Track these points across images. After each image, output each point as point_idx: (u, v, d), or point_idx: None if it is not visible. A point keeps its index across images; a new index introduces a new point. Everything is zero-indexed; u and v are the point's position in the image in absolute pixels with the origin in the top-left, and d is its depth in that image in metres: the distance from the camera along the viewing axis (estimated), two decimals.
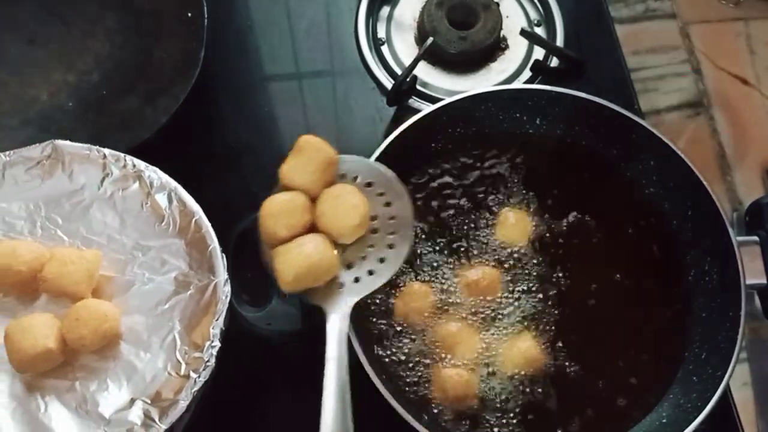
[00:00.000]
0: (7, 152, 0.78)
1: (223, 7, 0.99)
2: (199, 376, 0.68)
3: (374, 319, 0.76)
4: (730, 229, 0.75)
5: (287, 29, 1.01)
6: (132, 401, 0.68)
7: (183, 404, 0.67)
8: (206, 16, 0.90)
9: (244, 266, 0.76)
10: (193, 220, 0.74)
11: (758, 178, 1.73)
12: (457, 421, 0.73)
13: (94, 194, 0.77)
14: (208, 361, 0.68)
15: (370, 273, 0.69)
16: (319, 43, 1.00)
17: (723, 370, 0.70)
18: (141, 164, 0.77)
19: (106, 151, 0.78)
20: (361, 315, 0.75)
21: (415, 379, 0.74)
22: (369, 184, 0.72)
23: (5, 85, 0.92)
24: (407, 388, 0.73)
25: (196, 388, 0.67)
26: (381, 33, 0.99)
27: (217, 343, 0.69)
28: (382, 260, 0.69)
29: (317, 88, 0.98)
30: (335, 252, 0.69)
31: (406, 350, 0.75)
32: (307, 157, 0.71)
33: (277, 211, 0.69)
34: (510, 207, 0.81)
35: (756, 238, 0.78)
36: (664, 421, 0.73)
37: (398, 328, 0.76)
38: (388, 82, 0.95)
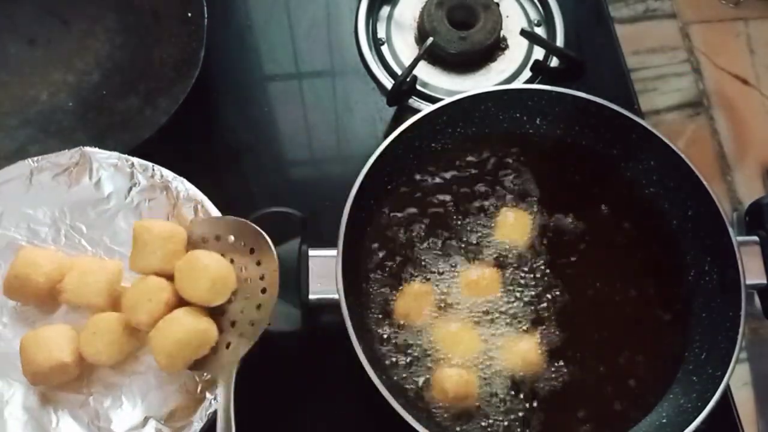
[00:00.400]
0: (35, 158, 0.78)
1: (223, 7, 0.99)
2: (214, 398, 0.67)
3: (374, 319, 0.76)
4: (730, 229, 0.75)
5: (287, 29, 1.01)
6: (146, 420, 0.68)
7: (197, 426, 0.66)
8: (206, 16, 0.90)
9: None
10: None
11: (758, 178, 1.72)
12: (457, 421, 0.73)
13: (120, 203, 0.76)
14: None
15: (252, 323, 0.68)
16: (319, 43, 1.00)
17: (723, 370, 0.70)
18: (169, 175, 0.76)
19: (135, 160, 0.77)
20: (361, 315, 0.75)
21: (415, 379, 0.74)
22: (239, 242, 0.71)
23: (5, 85, 0.92)
24: (407, 388, 0.73)
25: (210, 410, 0.66)
26: (381, 33, 0.99)
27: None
28: (259, 306, 0.69)
29: (317, 88, 0.98)
30: (206, 319, 0.68)
31: (406, 350, 0.75)
32: (144, 242, 0.70)
33: (134, 302, 0.68)
34: (510, 207, 0.81)
35: (756, 238, 0.78)
36: (664, 421, 0.73)
37: (398, 328, 0.76)
38: (388, 82, 0.95)
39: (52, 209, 0.76)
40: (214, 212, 0.75)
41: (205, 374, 0.69)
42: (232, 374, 0.67)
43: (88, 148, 0.78)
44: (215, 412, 0.66)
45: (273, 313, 0.68)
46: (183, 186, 0.76)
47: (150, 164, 0.77)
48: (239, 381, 0.76)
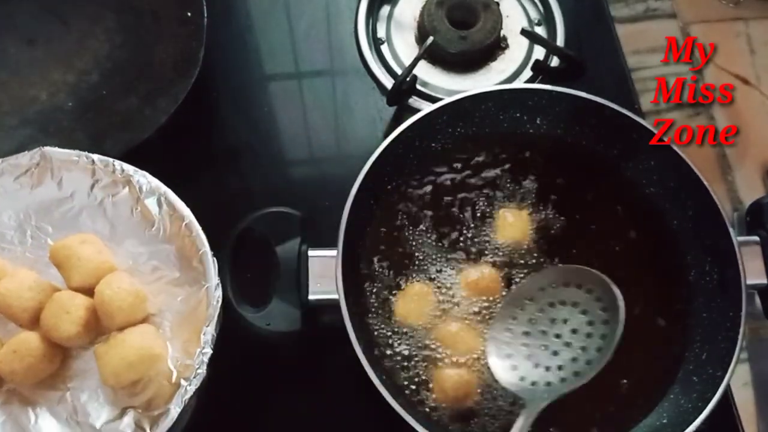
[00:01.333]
0: None
1: (223, 6, 0.99)
2: (189, 384, 0.67)
3: (374, 319, 0.76)
4: (730, 229, 0.75)
5: (287, 29, 1.01)
6: (123, 411, 0.68)
7: (174, 413, 0.66)
8: (206, 16, 0.90)
9: (243, 266, 0.76)
10: (183, 225, 0.74)
11: (758, 178, 1.72)
12: (457, 422, 0.72)
13: (83, 201, 0.76)
14: (198, 368, 0.67)
15: (576, 374, 0.67)
16: (319, 43, 1.00)
17: (723, 370, 0.70)
18: (130, 169, 0.76)
19: (95, 157, 0.77)
20: (361, 315, 0.75)
21: (415, 380, 0.74)
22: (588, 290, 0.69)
23: (5, 85, 0.92)
24: (407, 388, 0.73)
25: (187, 396, 0.66)
26: (381, 33, 0.99)
27: (209, 350, 0.68)
28: (589, 362, 0.67)
29: (317, 88, 0.98)
30: (157, 343, 0.69)
31: (406, 351, 0.75)
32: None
33: (52, 319, 0.69)
34: (509, 207, 0.81)
35: (756, 238, 0.78)
36: (664, 421, 0.73)
37: (398, 328, 0.76)
38: (388, 82, 0.95)
39: (17, 211, 0.76)
40: (179, 204, 0.75)
41: (188, 359, 0.69)
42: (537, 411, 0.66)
43: (47, 148, 0.77)
44: (192, 397, 0.67)
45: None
46: (145, 179, 0.76)
47: (110, 160, 0.77)
48: (238, 380, 0.76)
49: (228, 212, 0.80)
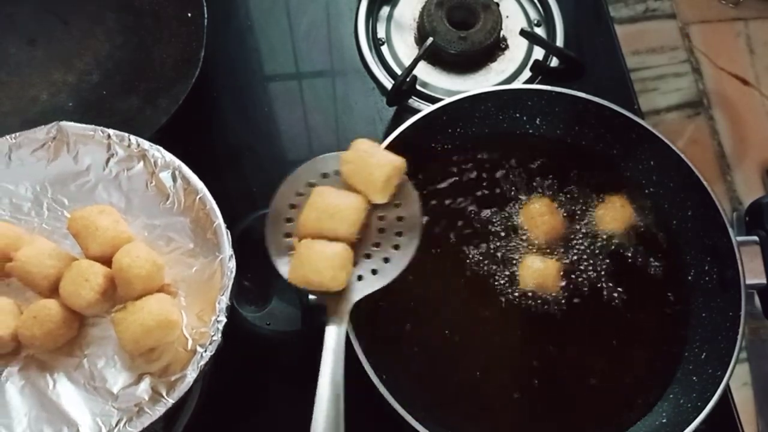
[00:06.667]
0: (13, 134, 0.78)
1: (223, 7, 0.99)
2: (205, 351, 0.68)
3: (374, 319, 0.76)
4: (730, 229, 0.75)
5: (287, 29, 1.01)
6: (140, 377, 0.68)
7: (190, 378, 0.67)
8: (206, 16, 0.90)
9: (244, 266, 0.76)
10: (197, 198, 0.74)
11: (758, 178, 1.73)
12: (457, 421, 0.73)
13: (99, 175, 0.77)
14: (214, 335, 0.68)
15: (386, 261, 0.69)
16: (319, 43, 1.00)
17: (723, 370, 0.70)
18: (145, 143, 0.77)
19: (111, 131, 0.78)
20: (361, 316, 0.75)
21: (415, 379, 0.74)
22: None
23: (5, 85, 0.92)
24: (407, 388, 0.73)
25: (203, 362, 0.67)
26: (381, 33, 0.99)
27: (223, 318, 0.69)
28: (396, 247, 0.69)
29: (317, 88, 0.98)
30: (173, 310, 0.69)
31: (406, 350, 0.75)
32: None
33: (71, 287, 0.69)
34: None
35: (756, 238, 0.78)
36: (664, 421, 0.73)
37: (398, 329, 0.76)
38: (388, 82, 0.95)
39: (33, 184, 0.77)
40: (193, 178, 0.75)
41: (203, 327, 0.70)
42: (348, 310, 0.67)
43: (64, 123, 0.78)
44: (207, 363, 0.67)
45: (409, 256, 0.68)
46: (159, 153, 0.77)
47: (126, 134, 0.78)
48: (238, 380, 0.76)
49: (228, 212, 0.80)
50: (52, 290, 0.71)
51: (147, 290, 0.70)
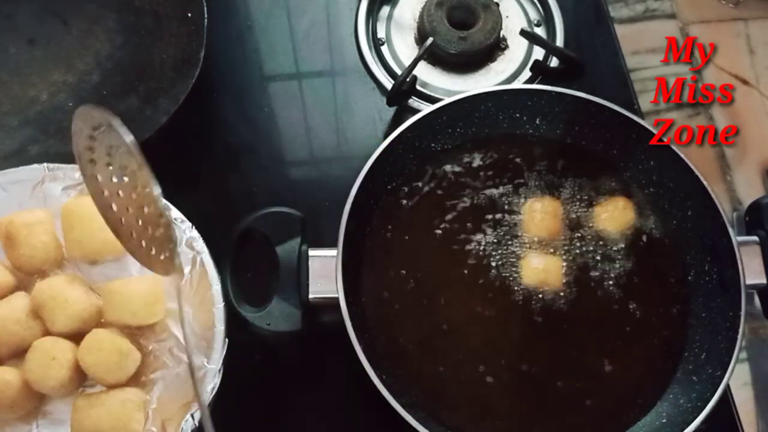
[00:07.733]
0: (51, 165, 0.76)
1: (223, 7, 0.99)
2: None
3: (374, 319, 0.76)
4: (730, 229, 0.75)
5: (287, 29, 1.01)
6: None
7: None
8: (206, 16, 0.90)
9: (244, 266, 0.76)
10: (209, 292, 0.72)
11: (758, 178, 1.73)
12: (458, 421, 0.73)
13: None
14: None
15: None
16: (319, 43, 1.00)
17: (723, 370, 0.70)
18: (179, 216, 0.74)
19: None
20: (361, 315, 0.75)
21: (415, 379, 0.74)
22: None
23: (5, 85, 0.92)
24: (407, 388, 0.73)
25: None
26: (381, 33, 0.99)
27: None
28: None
29: (317, 88, 0.98)
30: (136, 417, 0.67)
31: (406, 350, 0.75)
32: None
33: (38, 368, 0.66)
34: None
35: (756, 238, 0.78)
36: (664, 421, 0.73)
37: (398, 329, 0.76)
38: (388, 82, 0.95)
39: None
40: (210, 268, 0.73)
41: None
42: None
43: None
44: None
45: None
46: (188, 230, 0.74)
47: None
48: (238, 380, 0.76)
49: (228, 212, 0.80)
50: (13, 356, 0.67)
51: (118, 381, 0.67)
